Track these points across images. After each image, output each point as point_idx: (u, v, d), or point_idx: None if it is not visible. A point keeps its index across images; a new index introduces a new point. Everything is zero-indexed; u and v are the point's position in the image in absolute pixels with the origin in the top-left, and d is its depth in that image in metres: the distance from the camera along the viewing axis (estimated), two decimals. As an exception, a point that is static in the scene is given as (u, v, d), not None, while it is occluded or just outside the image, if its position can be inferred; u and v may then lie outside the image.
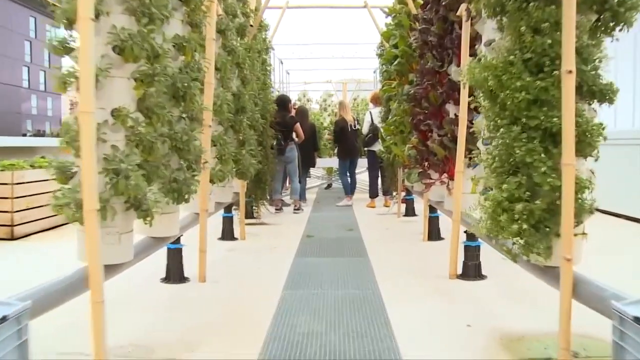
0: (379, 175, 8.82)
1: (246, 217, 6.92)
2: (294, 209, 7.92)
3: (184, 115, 3.25)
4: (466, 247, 3.93)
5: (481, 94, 2.47)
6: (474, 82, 2.39)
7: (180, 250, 3.95)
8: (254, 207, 6.91)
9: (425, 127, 4.67)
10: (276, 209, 7.87)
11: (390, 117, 6.27)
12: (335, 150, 9.57)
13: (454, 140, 3.96)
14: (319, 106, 14.74)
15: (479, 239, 3.80)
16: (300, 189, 8.58)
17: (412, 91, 4.66)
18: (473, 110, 3.88)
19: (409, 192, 7.25)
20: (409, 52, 5.44)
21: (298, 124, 7.95)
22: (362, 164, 10.07)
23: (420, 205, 7.00)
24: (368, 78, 15.13)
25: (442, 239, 5.52)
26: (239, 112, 4.87)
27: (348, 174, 8.95)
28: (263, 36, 6.50)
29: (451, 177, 4.06)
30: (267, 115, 6.52)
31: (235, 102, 4.77)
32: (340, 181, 9.70)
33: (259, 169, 6.06)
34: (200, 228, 3.90)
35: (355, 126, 8.83)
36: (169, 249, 3.90)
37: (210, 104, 3.82)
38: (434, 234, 5.52)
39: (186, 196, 3.18)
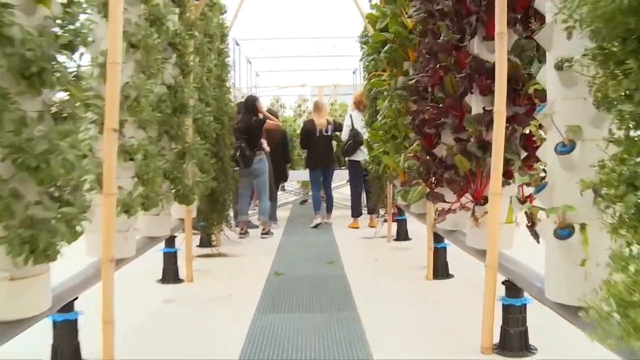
0: (363, 190, 7.54)
1: (201, 245, 5.58)
2: (262, 233, 6.55)
3: (49, 110, 1.93)
4: (506, 307, 2.65)
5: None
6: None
7: (75, 323, 2.58)
8: (209, 234, 5.55)
9: (432, 130, 3.41)
10: (240, 234, 6.51)
11: (378, 120, 5.00)
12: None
13: (483, 146, 2.69)
14: (293, 112, 13.44)
15: (528, 296, 2.52)
16: (271, 207, 7.23)
17: (413, 80, 3.39)
18: (513, 102, 2.63)
19: (400, 210, 5.97)
20: (403, 34, 4.18)
21: (268, 121, 6.63)
22: (343, 175, 8.78)
23: (414, 227, 5.72)
24: (346, 82, 13.93)
25: (451, 276, 4.24)
26: (176, 112, 3.53)
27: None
28: (218, 19, 5.17)
29: (478, 200, 2.79)
30: (225, 118, 5.17)
31: (171, 97, 3.43)
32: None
33: (213, 187, 4.74)
34: (104, 288, 2.52)
35: (328, 131, 7.35)
36: (54, 321, 2.53)
37: (115, 94, 2.47)
38: (440, 269, 4.23)
39: (50, 251, 1.83)
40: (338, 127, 7.75)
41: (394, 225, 6.09)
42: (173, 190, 3.58)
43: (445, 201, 3.11)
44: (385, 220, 6.23)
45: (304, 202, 10.03)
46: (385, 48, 4.37)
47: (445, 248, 4.21)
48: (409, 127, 4.24)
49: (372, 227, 6.88)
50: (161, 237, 3.74)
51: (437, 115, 3.23)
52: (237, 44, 9.56)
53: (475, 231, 2.86)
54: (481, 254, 2.86)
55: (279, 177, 7.44)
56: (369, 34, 5.72)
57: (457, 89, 2.79)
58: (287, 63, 11.56)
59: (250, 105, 6.51)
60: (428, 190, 3.50)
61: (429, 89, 3.34)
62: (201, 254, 5.36)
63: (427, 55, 3.30)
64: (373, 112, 5.97)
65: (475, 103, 2.82)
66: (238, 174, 6.57)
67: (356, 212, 7.25)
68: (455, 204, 3.00)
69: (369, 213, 7.16)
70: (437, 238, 4.15)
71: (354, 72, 12.09)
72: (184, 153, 3.59)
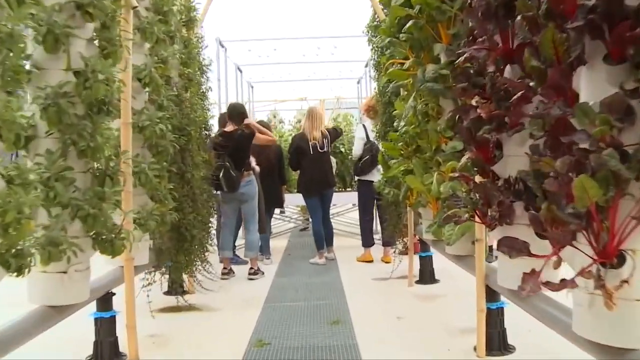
0: (375, 216, 6.26)
1: (168, 293, 4.27)
2: (250, 274, 5.25)
3: None
4: None
5: None
6: None
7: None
8: (176, 281, 4.25)
9: (491, 135, 2.15)
10: (223, 273, 5.21)
11: (399, 127, 3.73)
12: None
13: (623, 157, 1.41)
14: (292, 127, 12.19)
15: None
16: (262, 239, 5.94)
17: (466, 54, 2.11)
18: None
19: (424, 244, 4.67)
20: (433, 3, 2.93)
21: (259, 135, 5.38)
22: (348, 198, 7.48)
23: (441, 264, 4.43)
24: (350, 94, 12.70)
25: (511, 349, 2.92)
26: (94, 111, 2.28)
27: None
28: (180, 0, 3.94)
29: (609, 259, 1.50)
30: (192, 128, 3.91)
31: (79, 88, 2.18)
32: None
33: (181, 221, 3.53)
34: None
35: (324, 147, 5.91)
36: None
37: None
38: (496, 340, 2.91)
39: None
40: (336, 135, 6.39)
41: (415, 260, 4.77)
42: (90, 233, 2.31)
43: (530, 253, 1.81)
44: (404, 253, 4.91)
45: (304, 229, 8.73)
46: (408, 25, 3.12)
47: (502, 308, 2.89)
48: (446, 134, 2.98)
49: (386, 262, 5.57)
50: (79, 303, 2.45)
51: (501, 113, 1.97)
52: (222, 46, 7.95)
53: (599, 313, 1.56)
54: (604, 350, 1.58)
55: (272, 202, 6.14)
56: (380, 21, 4.50)
57: (563, 55, 1.51)
58: (283, 70, 10.26)
59: (235, 114, 5.27)
60: (487, 229, 2.21)
61: (490, 71, 2.06)
62: (165, 306, 4.07)
63: (484, 15, 2.03)
64: (387, 119, 4.72)
65: (591, 79, 1.55)
66: (221, 199, 5.33)
67: (367, 242, 5.94)
68: (553, 260, 1.71)
69: (383, 245, 5.85)
70: (490, 293, 2.84)
71: (358, 82, 10.86)
72: (105, 176, 2.32)
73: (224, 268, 5.24)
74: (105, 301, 2.91)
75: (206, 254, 4.26)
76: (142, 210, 3.02)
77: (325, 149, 5.91)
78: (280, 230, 8.46)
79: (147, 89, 3.11)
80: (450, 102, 2.97)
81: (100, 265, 2.85)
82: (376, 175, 5.74)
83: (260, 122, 6.25)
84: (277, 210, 7.34)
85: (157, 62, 3.17)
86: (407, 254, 4.83)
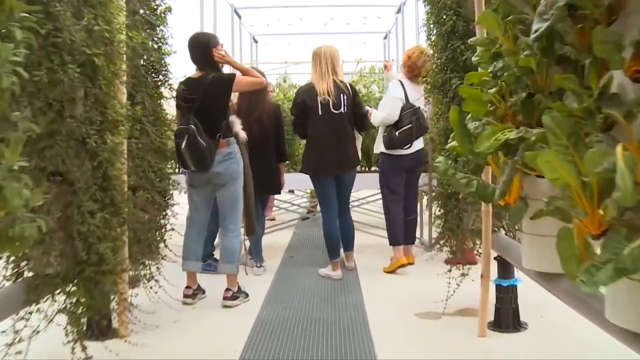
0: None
1: (91, 337, 2.52)
2: (225, 298, 3.43)
3: None
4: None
5: None
6: None
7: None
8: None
9: None
10: (186, 295, 3.44)
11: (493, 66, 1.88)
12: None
13: None
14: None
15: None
16: (253, 241, 4.17)
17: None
18: None
19: (504, 265, 2.84)
20: None
21: (243, 78, 3.51)
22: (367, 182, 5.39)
23: (530, 295, 2.62)
24: (374, 55, 10.64)
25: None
26: None
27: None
28: None
29: None
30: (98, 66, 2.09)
31: None
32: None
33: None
34: None
35: (341, 106, 3.94)
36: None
37: None
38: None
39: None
40: (357, 97, 4.20)
41: (490, 286, 2.93)
42: None
43: None
44: (455, 263, 3.12)
45: (306, 218, 6.91)
46: None
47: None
48: None
49: (408, 263, 3.79)
50: None
51: None
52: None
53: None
54: None
55: (266, 187, 4.28)
56: None
57: None
58: (293, 17, 8.26)
59: (200, 51, 3.44)
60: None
61: None
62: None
63: None
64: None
65: None
66: (187, 182, 3.56)
67: (395, 237, 4.10)
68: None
69: (405, 243, 4.10)
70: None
71: (385, 37, 8.88)
72: None
73: (187, 287, 3.46)
74: None
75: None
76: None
77: (342, 109, 3.97)
78: (276, 224, 6.55)
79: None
80: None
81: None
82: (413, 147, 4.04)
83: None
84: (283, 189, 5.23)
85: None
86: (458, 263, 3.06)
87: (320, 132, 3.95)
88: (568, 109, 1.38)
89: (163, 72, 3.39)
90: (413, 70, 4.11)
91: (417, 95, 4.06)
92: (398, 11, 6.82)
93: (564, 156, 1.26)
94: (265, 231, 4.68)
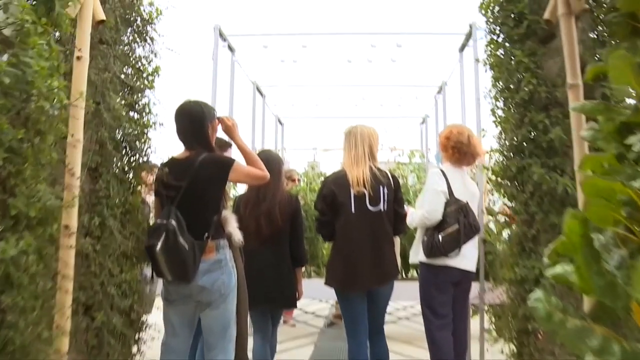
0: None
1: None
2: None
3: None
4: None
5: None
6: None
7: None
8: None
9: None
10: None
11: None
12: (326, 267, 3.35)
13: None
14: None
15: None
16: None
17: None
18: None
19: None
20: None
21: (237, 164, 2.64)
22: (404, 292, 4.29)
23: None
24: (410, 144, 9.93)
25: None
26: None
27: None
28: None
29: None
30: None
31: None
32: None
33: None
34: None
35: (379, 201, 3.02)
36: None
37: None
38: None
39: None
40: (398, 184, 3.23)
41: None
42: None
43: None
44: None
45: (332, 324, 5.85)
46: None
47: None
48: None
49: None
50: None
51: None
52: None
53: None
54: None
55: (278, 300, 3.27)
56: None
57: None
58: (319, 101, 7.58)
59: (191, 124, 2.65)
60: None
61: None
62: None
63: None
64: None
65: None
66: (162, 296, 2.68)
67: None
68: None
69: None
70: None
71: (422, 122, 8.18)
72: None
73: None
74: None
75: None
76: None
77: (381, 207, 3.04)
78: (296, 336, 5.50)
79: None
80: None
81: None
82: (463, 260, 3.03)
83: (264, 154, 3.49)
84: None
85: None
86: None
87: (352, 234, 3.00)
88: None
89: (140, 149, 2.63)
90: (457, 153, 3.21)
91: (464, 187, 3.16)
92: (439, 92, 6.12)
93: None
94: (280, 342, 3.64)
